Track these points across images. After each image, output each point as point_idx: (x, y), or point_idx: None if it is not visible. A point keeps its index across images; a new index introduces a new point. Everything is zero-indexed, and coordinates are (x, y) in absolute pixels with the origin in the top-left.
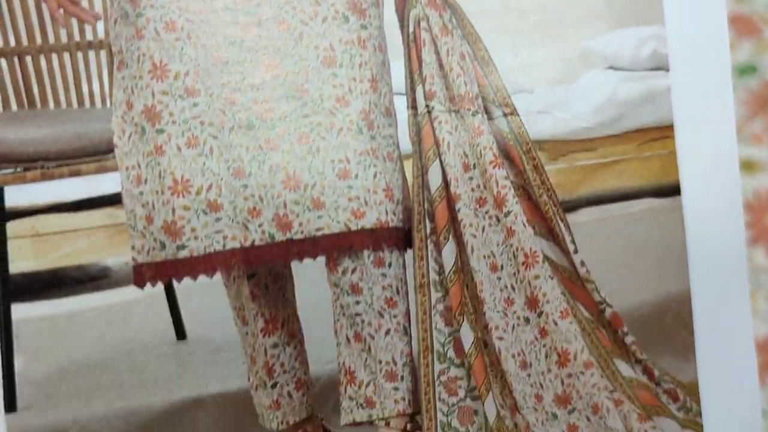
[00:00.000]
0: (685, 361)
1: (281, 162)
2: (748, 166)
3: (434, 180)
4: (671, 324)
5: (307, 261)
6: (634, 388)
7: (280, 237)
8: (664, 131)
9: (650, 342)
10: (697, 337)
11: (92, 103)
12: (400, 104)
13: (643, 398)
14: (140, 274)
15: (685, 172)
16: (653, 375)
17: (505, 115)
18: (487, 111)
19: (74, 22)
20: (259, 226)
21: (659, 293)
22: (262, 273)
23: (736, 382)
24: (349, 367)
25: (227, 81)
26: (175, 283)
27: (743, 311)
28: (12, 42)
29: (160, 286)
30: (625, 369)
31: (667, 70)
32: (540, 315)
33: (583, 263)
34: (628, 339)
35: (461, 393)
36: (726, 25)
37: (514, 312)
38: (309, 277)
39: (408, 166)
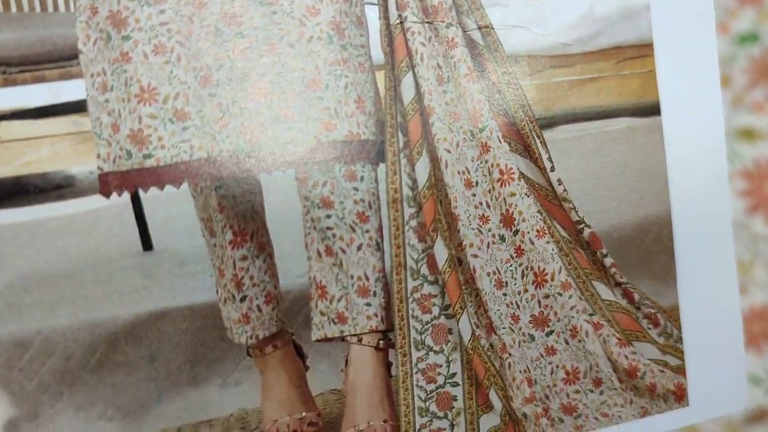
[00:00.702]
0: (665, 286)
1: (248, 71)
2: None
3: (407, 92)
4: (651, 247)
5: (276, 173)
6: (614, 312)
7: (248, 148)
8: (643, 49)
9: (630, 265)
10: (678, 262)
11: (56, 7)
12: (372, 15)
13: (622, 322)
14: (106, 183)
15: (664, 92)
16: (633, 299)
17: (479, 28)
18: (461, 23)
19: None
20: (227, 136)
21: (638, 215)
22: (230, 184)
23: (716, 307)
24: (320, 282)
25: None
26: (141, 193)
27: (724, 235)
28: None
29: (126, 196)
30: (604, 292)
31: None
32: (516, 233)
33: (560, 181)
34: (607, 261)
35: (435, 311)
36: None
37: (489, 230)
38: (278, 190)
39: (380, 78)
